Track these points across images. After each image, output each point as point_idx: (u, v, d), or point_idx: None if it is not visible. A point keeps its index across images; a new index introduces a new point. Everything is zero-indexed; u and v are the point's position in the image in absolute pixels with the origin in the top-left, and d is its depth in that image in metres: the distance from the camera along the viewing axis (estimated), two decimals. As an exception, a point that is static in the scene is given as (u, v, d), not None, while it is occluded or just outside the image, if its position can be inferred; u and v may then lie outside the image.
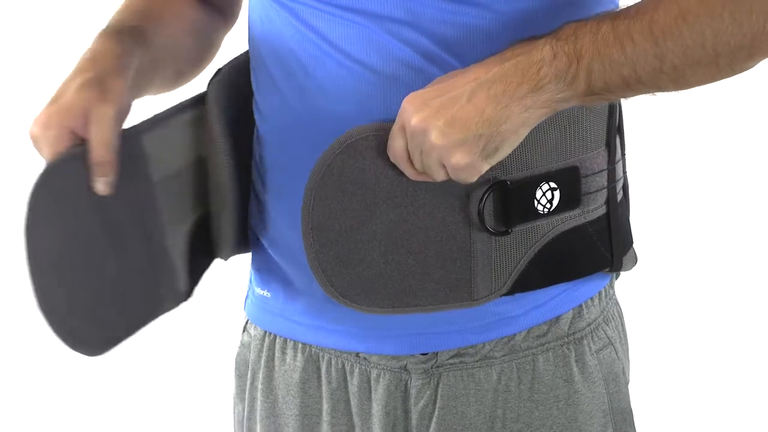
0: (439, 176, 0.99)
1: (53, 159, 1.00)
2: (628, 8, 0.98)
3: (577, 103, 0.99)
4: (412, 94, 0.98)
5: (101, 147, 1.00)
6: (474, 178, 0.99)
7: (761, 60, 0.99)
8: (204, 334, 2.79)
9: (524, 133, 0.98)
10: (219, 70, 1.16)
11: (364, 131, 1.02)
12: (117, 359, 2.89)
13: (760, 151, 3.00)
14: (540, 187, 1.06)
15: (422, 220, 1.04)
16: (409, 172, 1.01)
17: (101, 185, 1.01)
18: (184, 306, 1.15)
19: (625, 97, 1.01)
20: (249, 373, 1.22)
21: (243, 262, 1.24)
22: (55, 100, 1.02)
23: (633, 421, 1.20)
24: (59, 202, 1.01)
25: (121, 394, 2.80)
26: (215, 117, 1.12)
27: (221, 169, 1.12)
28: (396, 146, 1.00)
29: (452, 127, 0.96)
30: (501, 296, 1.09)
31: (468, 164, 0.97)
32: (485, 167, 0.99)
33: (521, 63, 0.95)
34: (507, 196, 1.05)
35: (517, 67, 0.95)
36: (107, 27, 1.12)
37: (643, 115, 2.05)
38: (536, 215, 1.07)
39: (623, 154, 1.16)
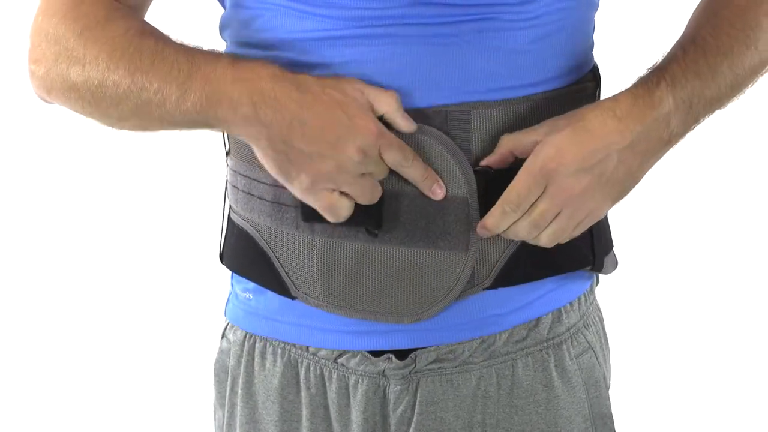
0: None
1: None
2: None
3: None
4: (557, 150, 1.01)
5: None
6: None
7: None
8: (184, 341, 2.77)
9: None
10: None
11: None
12: (100, 366, 2.88)
13: (740, 154, 2.97)
14: None
15: None
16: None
17: None
18: (164, 313, 1.16)
19: None
20: (228, 379, 1.22)
21: (219, 271, 1.24)
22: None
23: (614, 426, 1.19)
24: None
25: (104, 400, 2.79)
26: None
27: None
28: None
29: (611, 186, 1.04)
30: (484, 289, 1.09)
31: (604, 211, 1.07)
32: None
33: (656, 120, 1.04)
34: (489, 182, 1.05)
35: (654, 125, 1.04)
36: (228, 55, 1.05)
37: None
38: None
39: None
